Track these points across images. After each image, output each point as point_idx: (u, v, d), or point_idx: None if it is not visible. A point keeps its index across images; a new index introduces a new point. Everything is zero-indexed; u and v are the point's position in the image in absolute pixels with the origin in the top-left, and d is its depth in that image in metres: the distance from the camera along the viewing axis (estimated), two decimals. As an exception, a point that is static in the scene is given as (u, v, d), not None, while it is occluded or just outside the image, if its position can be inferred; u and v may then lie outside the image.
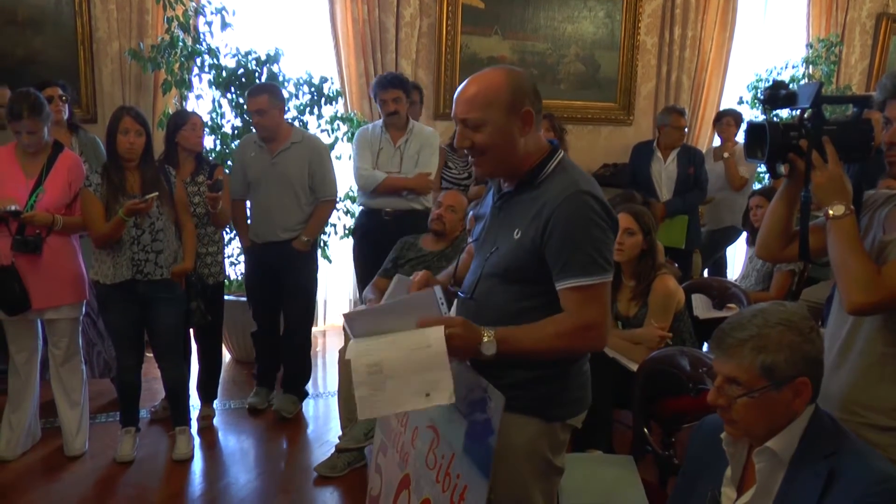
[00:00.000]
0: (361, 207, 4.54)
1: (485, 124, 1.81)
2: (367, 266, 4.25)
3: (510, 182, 1.93)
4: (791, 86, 1.87)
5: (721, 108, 6.50)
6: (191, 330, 4.08)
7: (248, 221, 4.28)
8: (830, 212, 1.75)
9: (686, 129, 5.57)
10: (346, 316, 1.87)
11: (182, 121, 3.92)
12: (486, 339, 1.74)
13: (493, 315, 1.86)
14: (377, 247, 4.12)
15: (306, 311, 4.38)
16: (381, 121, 4.45)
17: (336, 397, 3.96)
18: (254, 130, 4.20)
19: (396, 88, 4.29)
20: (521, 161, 1.87)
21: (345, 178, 5.31)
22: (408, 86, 4.44)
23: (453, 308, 2.07)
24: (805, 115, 1.82)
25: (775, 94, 1.87)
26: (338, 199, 4.51)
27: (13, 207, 3.34)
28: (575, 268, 1.75)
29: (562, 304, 1.79)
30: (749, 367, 1.53)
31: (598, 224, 1.78)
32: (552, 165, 1.87)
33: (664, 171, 5.35)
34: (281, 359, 4.40)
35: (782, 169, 1.88)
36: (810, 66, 6.59)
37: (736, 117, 5.86)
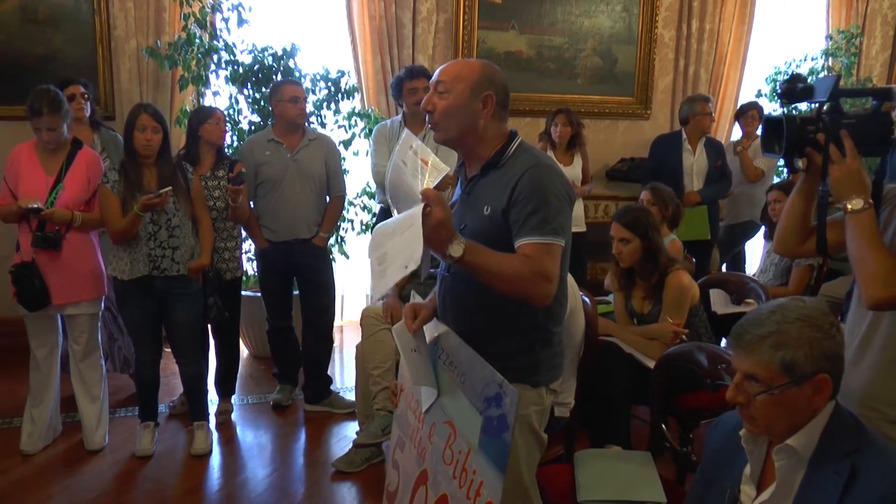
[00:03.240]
0: (380, 205, 4.53)
1: (449, 92, 2.04)
2: None
3: (475, 167, 2.11)
4: (810, 78, 1.85)
5: (740, 102, 6.46)
6: (208, 325, 4.11)
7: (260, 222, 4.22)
8: (849, 206, 1.72)
9: (713, 115, 5.51)
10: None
11: (206, 115, 3.96)
12: (456, 241, 1.83)
13: (467, 288, 2.04)
14: None
15: (331, 307, 4.40)
16: (399, 116, 4.43)
17: (354, 392, 3.98)
18: (269, 124, 4.20)
19: (424, 78, 4.26)
20: (480, 142, 2.07)
21: (362, 174, 5.32)
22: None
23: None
24: (823, 109, 1.80)
25: (792, 88, 1.85)
26: (346, 196, 4.52)
27: (34, 205, 3.38)
28: (528, 227, 1.92)
29: (523, 254, 1.93)
30: (768, 363, 1.51)
31: (556, 194, 1.96)
32: (513, 148, 2.06)
33: (695, 164, 5.29)
34: (300, 355, 4.41)
35: (800, 163, 1.86)
36: (830, 59, 6.52)
37: (760, 110, 5.81)
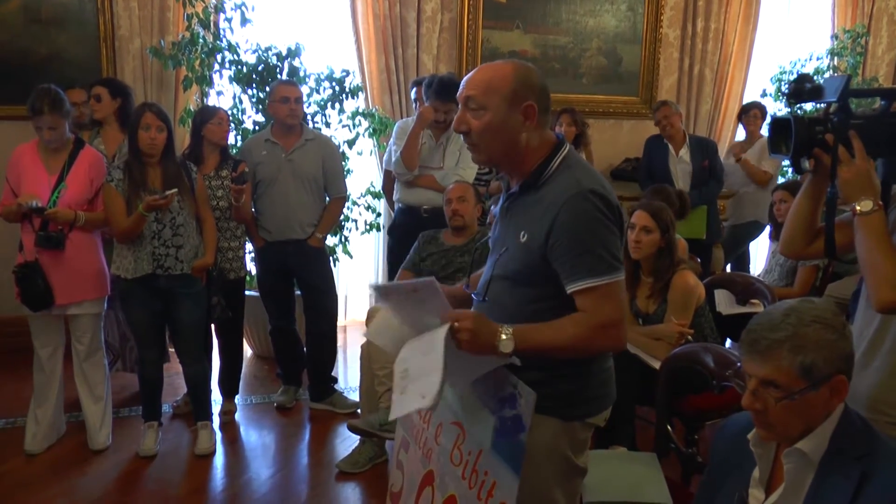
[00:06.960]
0: (399, 205, 4.48)
1: (484, 109, 1.81)
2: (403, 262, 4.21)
3: (515, 180, 1.92)
4: (816, 78, 1.83)
5: (745, 101, 6.44)
6: (212, 325, 4.10)
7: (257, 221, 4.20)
8: (858, 207, 1.70)
9: (681, 118, 5.49)
10: (377, 287, 1.90)
11: (209, 115, 3.96)
12: (503, 337, 1.71)
13: (503, 317, 1.81)
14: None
15: (329, 307, 4.37)
16: None
17: (357, 392, 3.97)
18: (270, 125, 4.20)
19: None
20: (524, 156, 1.86)
21: (366, 173, 5.31)
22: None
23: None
24: (831, 109, 1.79)
25: (800, 88, 1.82)
26: (348, 196, 4.50)
27: (36, 204, 3.37)
28: (583, 270, 1.73)
29: (578, 305, 1.76)
30: (788, 368, 1.48)
31: (603, 223, 1.76)
32: (555, 164, 1.85)
33: (679, 165, 5.31)
34: (303, 355, 4.40)
35: (807, 164, 1.84)
36: (835, 58, 6.50)
37: (762, 109, 5.82)
